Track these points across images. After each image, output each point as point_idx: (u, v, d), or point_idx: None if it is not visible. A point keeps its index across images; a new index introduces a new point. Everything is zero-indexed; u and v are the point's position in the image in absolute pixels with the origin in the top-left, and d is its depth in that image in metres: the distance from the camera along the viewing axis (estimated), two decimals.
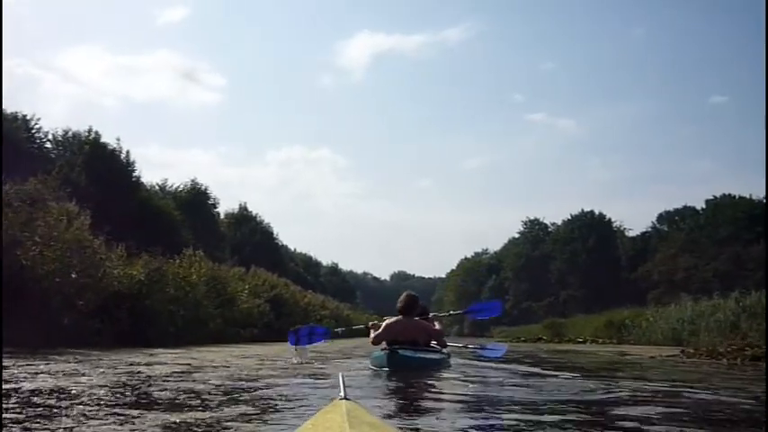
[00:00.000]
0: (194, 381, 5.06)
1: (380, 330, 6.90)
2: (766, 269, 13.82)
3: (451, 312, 9.87)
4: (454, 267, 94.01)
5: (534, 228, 75.75)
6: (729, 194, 50.76)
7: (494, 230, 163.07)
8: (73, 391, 4.00)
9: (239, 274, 21.73)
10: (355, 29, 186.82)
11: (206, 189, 37.11)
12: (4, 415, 2.95)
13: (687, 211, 55.62)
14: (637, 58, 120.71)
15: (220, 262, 23.05)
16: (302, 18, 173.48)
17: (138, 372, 5.75)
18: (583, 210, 67.59)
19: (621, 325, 20.91)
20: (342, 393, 1.86)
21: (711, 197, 52.33)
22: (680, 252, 51.56)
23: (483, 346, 8.69)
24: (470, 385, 5.38)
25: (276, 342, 16.27)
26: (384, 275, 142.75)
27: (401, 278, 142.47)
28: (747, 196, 49.34)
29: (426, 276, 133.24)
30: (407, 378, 5.66)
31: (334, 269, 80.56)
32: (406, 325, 6.77)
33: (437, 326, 7.53)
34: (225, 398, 3.99)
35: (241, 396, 4.15)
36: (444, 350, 7.28)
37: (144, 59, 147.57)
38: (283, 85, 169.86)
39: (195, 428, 2.81)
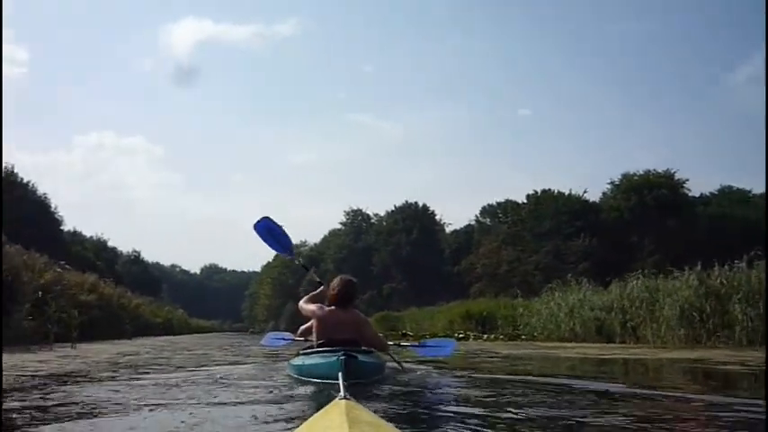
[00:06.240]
0: None
1: (308, 324, 5.53)
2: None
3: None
4: (270, 260, 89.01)
5: (357, 218, 73.08)
6: (549, 189, 51.51)
7: (318, 225, 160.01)
8: None
9: None
10: (180, 13, 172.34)
11: None
12: None
13: (509, 205, 55.83)
14: (454, 66, 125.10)
15: None
16: None
17: None
18: (407, 201, 66.13)
19: (500, 316, 17.34)
20: (342, 393, 1.92)
21: (532, 192, 52.86)
22: (503, 245, 51.44)
23: (423, 343, 6.91)
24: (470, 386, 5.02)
25: None
26: (194, 268, 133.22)
27: (212, 271, 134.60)
28: (566, 192, 50.30)
29: (240, 270, 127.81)
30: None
31: (135, 258, 71.10)
32: (343, 319, 5.14)
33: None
34: None
35: None
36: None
37: None
38: (95, 65, 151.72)
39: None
